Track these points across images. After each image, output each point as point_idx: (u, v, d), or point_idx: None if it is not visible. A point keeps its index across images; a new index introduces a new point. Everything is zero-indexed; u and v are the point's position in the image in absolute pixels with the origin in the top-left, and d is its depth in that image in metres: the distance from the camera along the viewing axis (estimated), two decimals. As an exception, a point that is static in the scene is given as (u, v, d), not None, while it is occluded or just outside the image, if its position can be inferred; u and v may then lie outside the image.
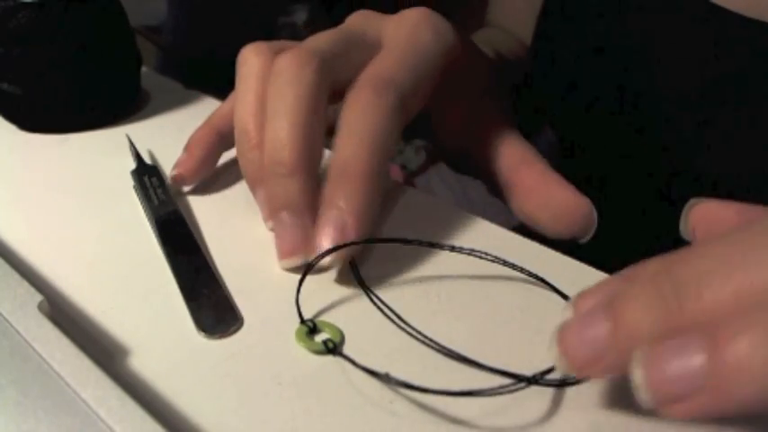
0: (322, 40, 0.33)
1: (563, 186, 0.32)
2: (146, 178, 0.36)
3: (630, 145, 0.43)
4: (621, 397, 0.24)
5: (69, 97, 0.43)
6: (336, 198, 0.29)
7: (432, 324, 0.27)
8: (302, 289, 0.28)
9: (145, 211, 0.34)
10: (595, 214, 0.32)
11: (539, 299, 0.29)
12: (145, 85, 0.48)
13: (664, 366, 0.19)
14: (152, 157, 0.40)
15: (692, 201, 0.27)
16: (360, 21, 0.36)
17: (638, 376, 0.20)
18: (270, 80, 0.31)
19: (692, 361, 0.19)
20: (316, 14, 0.84)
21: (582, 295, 0.23)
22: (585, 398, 0.24)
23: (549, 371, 0.24)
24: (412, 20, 0.34)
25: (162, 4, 0.89)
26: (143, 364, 0.25)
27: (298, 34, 0.85)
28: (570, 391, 0.24)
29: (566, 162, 0.55)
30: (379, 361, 0.25)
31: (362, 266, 0.30)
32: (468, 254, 0.30)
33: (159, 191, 0.35)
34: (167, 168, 0.39)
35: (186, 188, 0.37)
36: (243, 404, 0.24)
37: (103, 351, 0.26)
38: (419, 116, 0.34)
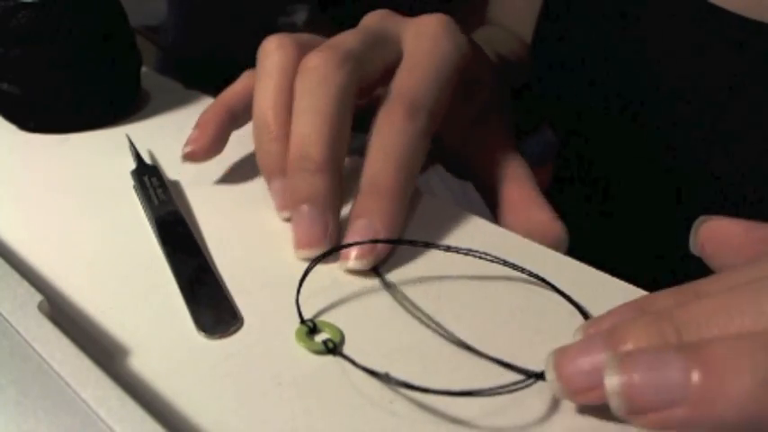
0: (349, 40, 0.33)
1: (543, 209, 0.34)
2: (146, 178, 0.36)
3: (630, 145, 0.43)
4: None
5: (69, 97, 0.43)
6: (368, 210, 0.30)
7: (432, 324, 0.27)
8: (302, 289, 0.28)
9: (145, 211, 0.34)
10: (566, 239, 0.33)
11: (539, 299, 0.29)
12: (145, 85, 0.48)
13: (639, 374, 0.19)
14: (152, 157, 0.40)
15: (701, 218, 0.27)
16: (378, 21, 0.36)
17: (612, 382, 0.19)
18: (300, 77, 0.32)
19: (671, 372, 0.19)
20: (316, 14, 0.84)
21: (592, 322, 0.24)
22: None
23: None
24: (432, 29, 0.34)
25: (162, 4, 0.89)
26: (143, 364, 0.25)
27: (298, 34, 0.85)
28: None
29: (565, 162, 0.55)
30: (378, 361, 0.25)
31: (362, 266, 0.30)
32: (466, 254, 0.30)
33: (159, 191, 0.35)
34: (167, 168, 0.39)
35: (186, 191, 0.37)
36: (243, 404, 0.24)
37: (103, 351, 0.26)
38: None
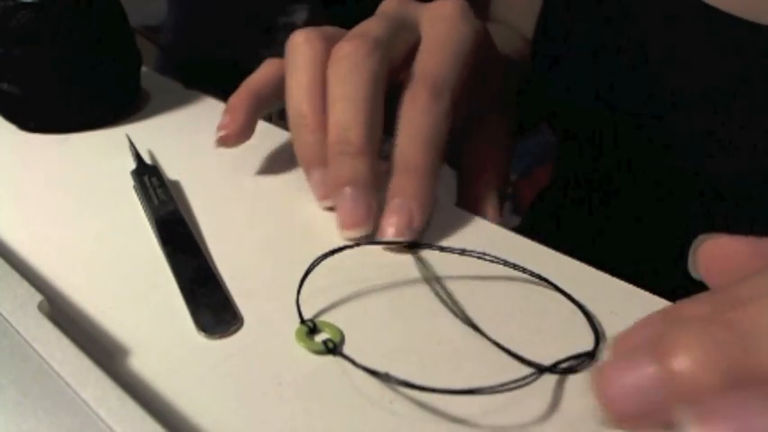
0: (375, 27, 0.34)
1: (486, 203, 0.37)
2: (146, 178, 0.36)
3: (628, 145, 0.43)
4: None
5: (69, 97, 0.43)
6: (402, 190, 0.32)
7: (432, 324, 0.27)
8: (302, 289, 0.28)
9: (145, 211, 0.34)
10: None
11: (539, 299, 0.29)
12: (145, 85, 0.48)
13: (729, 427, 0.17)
14: (152, 157, 0.40)
15: (701, 237, 0.25)
16: (396, 7, 0.38)
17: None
18: (333, 66, 0.33)
19: None
20: (316, 14, 0.84)
21: (621, 337, 0.23)
22: (585, 396, 0.24)
23: (562, 362, 0.25)
24: (448, 12, 0.36)
25: (162, 4, 0.89)
26: (143, 364, 0.25)
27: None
28: (570, 390, 0.24)
29: (564, 162, 0.55)
30: (379, 361, 0.25)
31: (363, 267, 0.30)
32: (461, 254, 0.30)
33: (159, 191, 0.35)
34: (167, 168, 0.39)
35: (186, 191, 0.37)
36: (243, 404, 0.24)
37: (103, 351, 0.26)
38: None
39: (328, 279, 0.29)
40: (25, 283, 0.26)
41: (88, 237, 0.33)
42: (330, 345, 0.25)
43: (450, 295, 0.29)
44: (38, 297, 0.25)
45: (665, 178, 0.42)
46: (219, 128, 0.37)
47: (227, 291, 0.29)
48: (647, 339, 0.21)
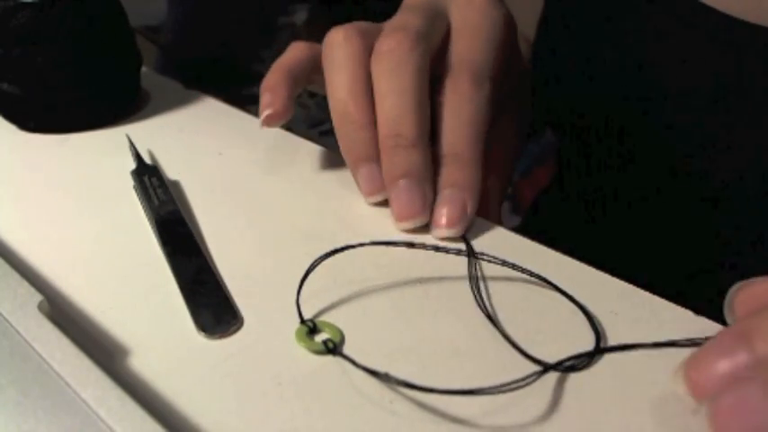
0: (412, 20, 0.34)
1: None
2: (146, 178, 0.36)
3: (629, 146, 0.43)
4: (620, 399, 0.24)
5: (69, 97, 0.43)
6: (453, 180, 0.32)
7: (432, 324, 0.27)
8: (302, 289, 0.28)
9: (145, 211, 0.34)
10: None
11: (539, 298, 0.29)
12: (145, 85, 0.48)
13: None
14: (152, 157, 0.40)
15: (735, 286, 0.25)
16: None
17: None
18: (378, 61, 0.33)
19: None
20: (316, 14, 0.84)
21: (690, 364, 0.22)
22: (584, 397, 0.24)
23: (565, 360, 0.25)
24: (478, 0, 0.36)
25: (162, 4, 0.89)
26: (143, 364, 0.25)
27: (298, 34, 0.85)
28: (569, 391, 0.24)
29: (565, 162, 0.55)
30: (379, 361, 0.25)
31: (363, 267, 0.30)
32: (457, 253, 0.30)
33: (159, 191, 0.35)
34: (167, 168, 0.39)
35: (186, 191, 0.37)
36: (243, 404, 0.24)
37: (103, 351, 0.26)
38: None
39: (328, 279, 0.29)
40: (25, 283, 0.26)
41: (88, 237, 0.33)
42: (330, 345, 0.25)
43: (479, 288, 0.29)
44: (38, 297, 0.25)
45: (664, 178, 0.42)
46: (264, 107, 0.36)
47: (227, 291, 0.29)
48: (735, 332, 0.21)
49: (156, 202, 0.34)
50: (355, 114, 0.33)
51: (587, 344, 0.26)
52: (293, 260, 0.30)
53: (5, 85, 0.42)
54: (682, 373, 0.22)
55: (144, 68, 0.48)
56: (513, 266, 0.30)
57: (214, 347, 0.26)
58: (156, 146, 0.41)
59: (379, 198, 0.34)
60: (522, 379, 0.24)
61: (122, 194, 0.36)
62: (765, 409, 0.18)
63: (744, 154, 0.37)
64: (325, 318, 0.27)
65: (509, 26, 0.37)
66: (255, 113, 0.45)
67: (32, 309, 0.25)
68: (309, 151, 0.41)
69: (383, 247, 0.31)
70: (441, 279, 0.30)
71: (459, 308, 0.28)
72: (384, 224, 0.34)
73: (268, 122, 0.36)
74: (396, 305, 0.28)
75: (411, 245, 0.31)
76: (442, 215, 0.32)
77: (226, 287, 0.29)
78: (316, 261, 0.29)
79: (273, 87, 0.37)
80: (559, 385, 0.24)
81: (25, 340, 0.24)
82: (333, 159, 0.40)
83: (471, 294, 0.29)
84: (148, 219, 0.34)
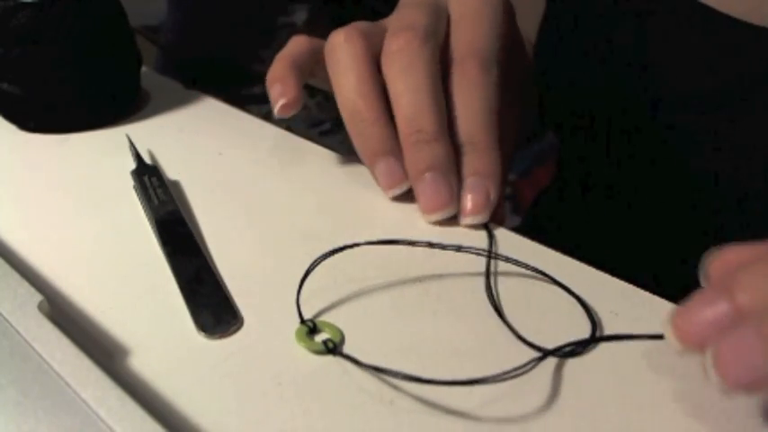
0: (418, 16, 0.35)
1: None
2: (146, 178, 0.36)
3: (630, 146, 0.43)
4: (618, 394, 0.24)
5: (69, 97, 0.43)
6: (475, 169, 0.33)
7: (431, 323, 0.27)
8: (302, 289, 0.28)
9: (145, 211, 0.34)
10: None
11: (540, 297, 0.29)
12: (145, 85, 0.48)
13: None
14: (152, 157, 0.40)
15: (709, 253, 0.26)
16: None
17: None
18: (390, 61, 0.34)
19: None
20: (315, 14, 0.84)
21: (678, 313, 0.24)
22: (582, 389, 0.24)
23: (564, 346, 0.25)
24: None
25: (162, 4, 0.89)
26: (143, 364, 0.25)
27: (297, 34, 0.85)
28: (567, 382, 0.24)
29: (566, 163, 0.55)
30: (379, 360, 0.25)
31: (363, 267, 0.30)
32: (457, 250, 0.30)
33: (159, 191, 0.35)
34: (167, 168, 0.39)
35: (186, 191, 0.37)
36: (243, 404, 0.24)
37: (103, 351, 0.26)
38: None
39: (328, 279, 0.29)
40: (25, 283, 0.26)
41: (88, 237, 0.33)
42: (330, 345, 0.25)
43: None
44: (38, 297, 0.25)
45: (665, 179, 0.42)
46: (277, 98, 0.37)
47: (227, 291, 0.29)
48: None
49: (156, 202, 0.34)
50: (366, 112, 0.34)
51: (586, 335, 0.26)
52: (293, 260, 0.30)
53: (5, 85, 0.42)
54: (670, 321, 0.23)
55: (144, 68, 0.48)
56: (517, 263, 0.30)
57: (214, 347, 0.26)
58: (156, 146, 0.41)
59: (399, 191, 0.34)
60: (522, 366, 0.24)
61: (122, 194, 0.36)
62: (761, 348, 0.20)
63: (747, 155, 0.37)
64: (325, 318, 0.27)
65: (509, 13, 0.37)
66: (255, 113, 0.45)
67: (32, 309, 0.25)
68: (309, 151, 0.41)
69: (383, 247, 0.31)
70: (440, 278, 0.30)
71: (459, 307, 0.28)
72: (384, 224, 0.34)
73: (283, 112, 0.37)
74: (395, 304, 0.28)
75: (411, 244, 0.31)
76: (468, 204, 0.33)
77: (226, 287, 0.29)
78: (316, 261, 0.29)
79: (282, 77, 0.37)
80: (558, 374, 0.25)
81: (25, 340, 0.24)
82: (333, 159, 0.40)
83: (471, 293, 0.29)
84: (148, 219, 0.34)
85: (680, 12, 0.38)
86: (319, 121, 0.82)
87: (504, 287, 0.29)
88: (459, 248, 0.30)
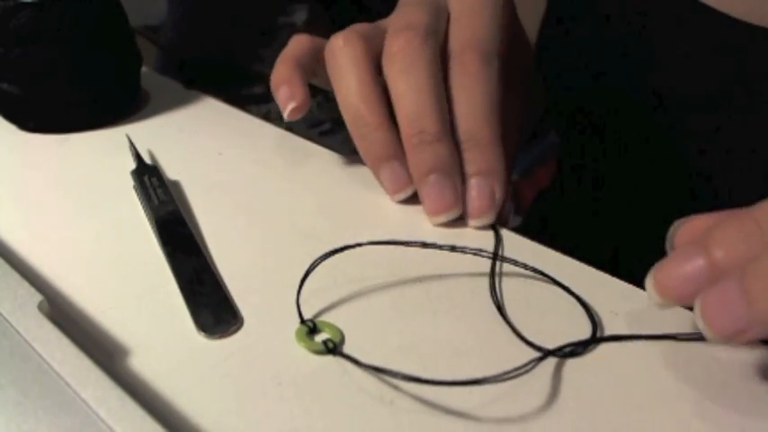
0: (418, 15, 0.35)
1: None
2: (146, 178, 0.36)
3: (630, 146, 0.43)
4: (618, 394, 0.24)
5: (69, 97, 0.43)
6: (478, 167, 0.33)
7: (432, 324, 0.27)
8: (302, 289, 0.28)
9: (145, 211, 0.34)
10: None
11: (540, 297, 0.29)
12: (145, 85, 0.48)
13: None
14: (152, 157, 0.40)
15: (675, 223, 0.27)
16: None
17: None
18: (391, 61, 0.33)
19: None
20: (315, 14, 0.84)
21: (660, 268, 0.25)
22: (582, 389, 0.24)
23: (565, 346, 0.25)
24: None
25: (162, 4, 0.89)
26: (143, 364, 0.25)
27: (297, 34, 0.85)
28: (567, 382, 0.24)
29: (567, 162, 0.55)
30: (379, 360, 0.25)
31: (363, 267, 0.30)
32: (451, 250, 0.30)
33: (159, 191, 0.35)
34: (167, 168, 0.39)
35: (186, 191, 0.37)
36: (243, 404, 0.24)
37: (103, 351, 0.26)
38: None
39: (328, 279, 0.29)
40: (25, 283, 0.26)
41: (88, 237, 0.33)
42: (330, 345, 0.25)
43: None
44: (38, 297, 0.25)
45: (666, 179, 0.42)
46: (286, 101, 0.36)
47: (227, 291, 0.29)
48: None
49: (156, 202, 0.34)
50: (368, 117, 0.33)
51: (586, 336, 0.26)
52: (293, 260, 0.30)
53: (5, 85, 0.42)
54: (651, 276, 0.24)
55: (144, 68, 0.48)
56: (515, 263, 0.30)
57: (214, 347, 0.26)
58: (156, 146, 0.41)
59: (404, 196, 0.34)
60: (523, 366, 0.24)
61: (122, 194, 0.36)
62: (743, 299, 0.21)
63: (748, 155, 0.37)
64: (325, 318, 0.27)
65: (509, 8, 0.37)
66: (255, 113, 0.45)
67: (32, 309, 0.25)
68: (309, 151, 0.41)
69: (383, 247, 0.31)
70: (440, 278, 0.30)
71: (459, 307, 0.28)
72: (384, 224, 0.34)
73: (293, 115, 0.36)
74: (395, 304, 0.28)
75: (411, 244, 0.31)
76: (473, 206, 0.32)
77: (226, 287, 0.29)
78: (316, 261, 0.29)
79: (288, 79, 0.37)
80: (558, 374, 0.25)
81: (25, 340, 0.24)
82: (333, 159, 0.40)
83: (471, 293, 0.29)
84: (148, 219, 0.34)
85: (680, 12, 0.38)
86: (319, 121, 0.82)
87: (504, 287, 0.29)
88: (461, 250, 0.30)
